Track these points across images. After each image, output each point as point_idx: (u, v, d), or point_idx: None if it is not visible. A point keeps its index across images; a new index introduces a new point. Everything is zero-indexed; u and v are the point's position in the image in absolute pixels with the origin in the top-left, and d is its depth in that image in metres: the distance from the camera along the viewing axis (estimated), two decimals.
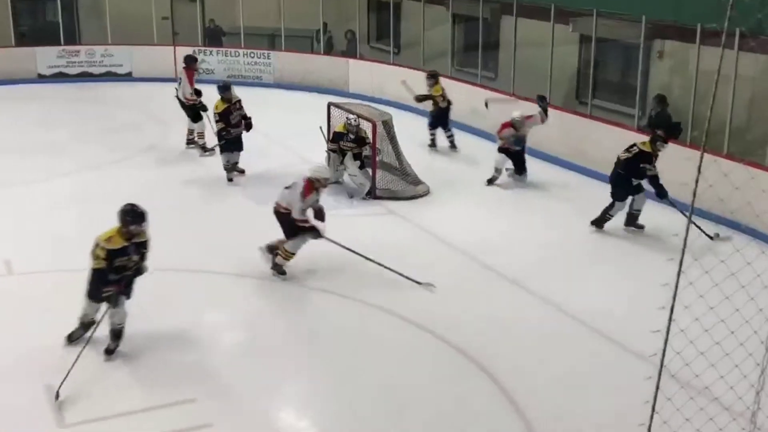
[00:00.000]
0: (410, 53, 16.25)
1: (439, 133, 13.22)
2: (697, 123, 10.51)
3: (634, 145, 9.57)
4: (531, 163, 11.79)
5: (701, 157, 4.30)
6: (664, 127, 10.39)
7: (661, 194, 9.33)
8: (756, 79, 10.66)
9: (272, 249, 8.42)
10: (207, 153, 12.29)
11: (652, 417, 4.72)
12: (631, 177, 9.52)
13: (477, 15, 14.33)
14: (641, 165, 9.34)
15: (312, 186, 8.28)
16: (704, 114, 10.04)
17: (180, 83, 12.51)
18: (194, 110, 12.43)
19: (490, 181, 11.40)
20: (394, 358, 6.97)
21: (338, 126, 11.07)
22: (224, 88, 11.07)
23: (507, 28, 14.01)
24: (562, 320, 7.67)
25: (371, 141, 10.85)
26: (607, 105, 12.52)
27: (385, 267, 8.26)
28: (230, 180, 11.29)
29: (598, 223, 9.79)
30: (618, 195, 9.67)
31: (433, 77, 12.97)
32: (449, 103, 13.04)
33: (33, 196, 10.71)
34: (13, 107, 15.85)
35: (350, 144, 10.95)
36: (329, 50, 17.97)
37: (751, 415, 4.82)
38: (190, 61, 12.69)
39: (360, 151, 10.96)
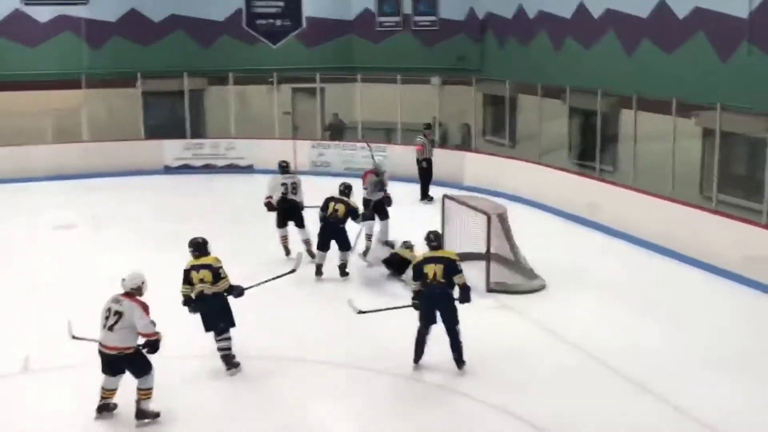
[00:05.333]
0: (526, 146, 16.82)
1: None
2: None
3: None
4: (664, 261, 11.97)
5: None
6: None
7: None
8: None
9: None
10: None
11: None
12: None
13: (594, 108, 14.69)
14: None
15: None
16: None
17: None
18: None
19: (365, 254, 11.76)
20: None
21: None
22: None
23: (626, 121, 14.42)
24: None
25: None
26: (732, 200, 12.49)
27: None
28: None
29: None
30: None
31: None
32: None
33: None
34: (136, 197, 16.50)
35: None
36: (443, 143, 18.51)
37: None
38: None
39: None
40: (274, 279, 9.30)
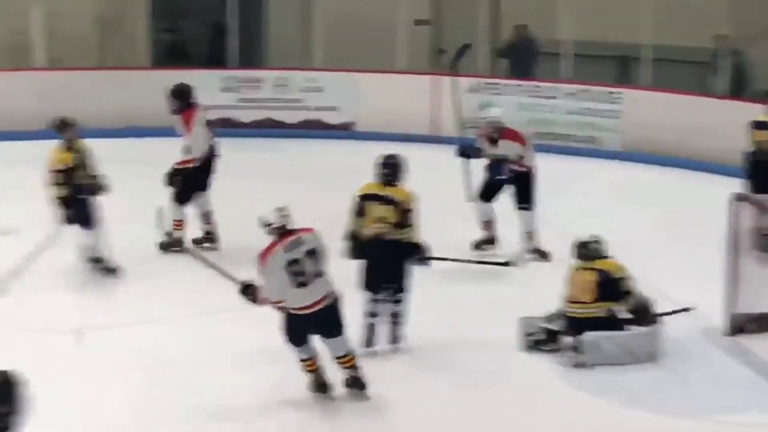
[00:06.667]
0: None
1: None
2: None
3: None
4: None
5: None
6: None
7: None
8: None
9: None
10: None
11: None
12: None
13: None
14: None
15: None
16: None
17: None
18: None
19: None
20: None
21: None
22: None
23: None
24: None
25: None
26: None
27: None
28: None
29: None
30: None
31: None
32: None
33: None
34: (139, 184, 15.85)
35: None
36: (740, 87, 17.99)
37: None
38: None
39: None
40: (478, 263, 12.07)
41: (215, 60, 19.74)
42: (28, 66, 19.19)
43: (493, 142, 12.94)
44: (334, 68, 19.06)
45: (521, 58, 19.56)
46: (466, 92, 18.04)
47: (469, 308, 11.64)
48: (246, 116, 19.12)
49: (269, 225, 9.13)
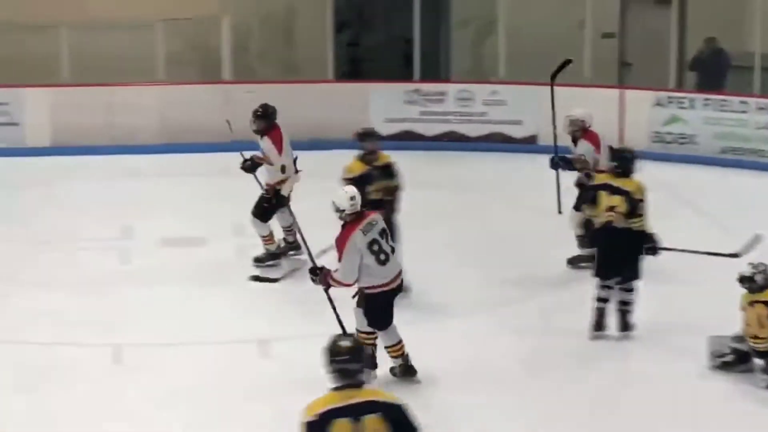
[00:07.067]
0: None
1: None
2: None
3: None
4: None
5: None
6: None
7: None
8: None
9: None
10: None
11: None
12: None
13: None
14: None
15: None
16: None
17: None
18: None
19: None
20: None
21: None
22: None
23: None
24: None
25: None
26: None
27: None
28: None
29: None
30: None
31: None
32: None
33: None
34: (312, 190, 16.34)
35: None
36: None
37: None
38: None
39: None
40: (707, 254, 11.88)
41: (398, 73, 19.99)
42: (215, 79, 19.59)
43: (574, 141, 13.43)
44: (517, 81, 19.12)
45: (711, 71, 19.44)
46: (652, 105, 18.49)
47: (661, 313, 11.83)
48: (428, 129, 19.24)
49: (343, 211, 9.71)
